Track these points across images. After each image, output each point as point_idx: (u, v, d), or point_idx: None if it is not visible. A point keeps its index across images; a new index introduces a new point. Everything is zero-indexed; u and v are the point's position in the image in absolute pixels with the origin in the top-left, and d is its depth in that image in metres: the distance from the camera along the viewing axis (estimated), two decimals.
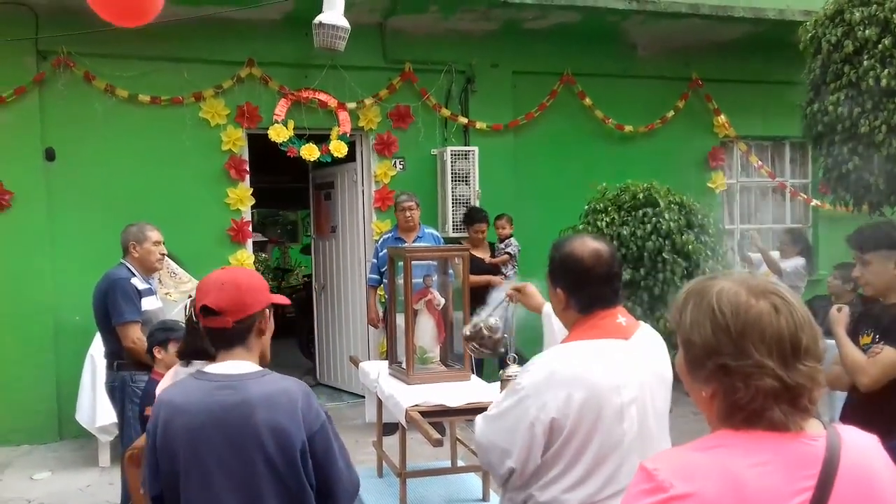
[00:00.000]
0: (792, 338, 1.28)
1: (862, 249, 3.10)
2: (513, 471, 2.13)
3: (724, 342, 1.30)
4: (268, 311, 2.20)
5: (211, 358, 2.38)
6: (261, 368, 2.15)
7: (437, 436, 2.95)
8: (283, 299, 2.34)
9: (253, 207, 7.27)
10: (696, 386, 1.36)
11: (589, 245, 2.26)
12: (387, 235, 6.48)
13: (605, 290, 2.20)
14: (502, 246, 6.98)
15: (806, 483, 1.23)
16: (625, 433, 2.10)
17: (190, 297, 3.02)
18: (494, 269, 6.71)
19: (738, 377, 1.28)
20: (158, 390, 3.06)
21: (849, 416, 2.98)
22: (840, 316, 3.11)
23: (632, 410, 2.12)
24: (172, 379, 2.87)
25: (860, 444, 1.33)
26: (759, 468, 1.23)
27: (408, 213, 6.38)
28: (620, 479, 2.08)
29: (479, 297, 3.43)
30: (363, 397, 6.69)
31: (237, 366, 2.13)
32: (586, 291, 2.22)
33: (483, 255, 6.83)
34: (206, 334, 2.18)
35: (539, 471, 2.12)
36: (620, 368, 2.14)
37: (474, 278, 6.62)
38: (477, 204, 7.22)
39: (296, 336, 9.32)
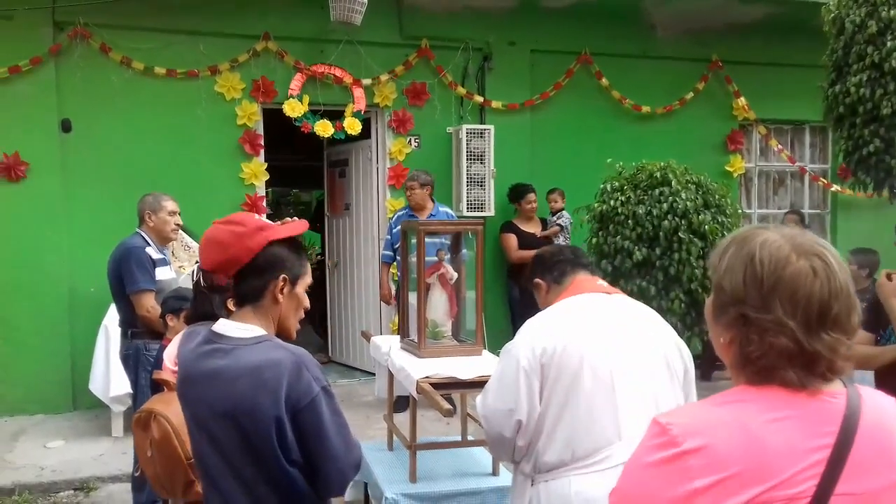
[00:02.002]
0: (822, 304, 1.24)
1: None
2: (520, 424, 2.20)
3: (753, 293, 1.27)
4: (283, 279, 2.06)
5: (217, 319, 2.39)
6: (260, 334, 2.05)
7: (447, 406, 2.95)
8: (289, 230, 2.14)
9: (267, 186, 7.29)
10: (717, 331, 1.34)
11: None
12: (401, 213, 6.49)
13: (577, 261, 2.46)
14: (553, 218, 7.08)
15: (824, 440, 1.21)
16: (612, 376, 2.25)
17: (197, 262, 3.05)
18: (547, 244, 6.73)
19: (754, 329, 1.26)
20: (165, 356, 3.10)
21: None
22: (892, 285, 2.95)
23: (615, 357, 2.27)
24: (178, 346, 2.91)
25: (882, 404, 1.30)
26: (776, 424, 1.21)
27: (408, 193, 6.41)
28: (619, 429, 2.21)
29: None
30: (374, 374, 6.73)
31: (238, 328, 2.06)
32: (558, 266, 2.47)
33: (535, 230, 6.90)
34: (231, 290, 2.16)
35: (539, 425, 2.24)
36: (602, 316, 2.32)
37: (525, 253, 6.70)
38: (492, 183, 7.21)
39: (309, 314, 9.35)
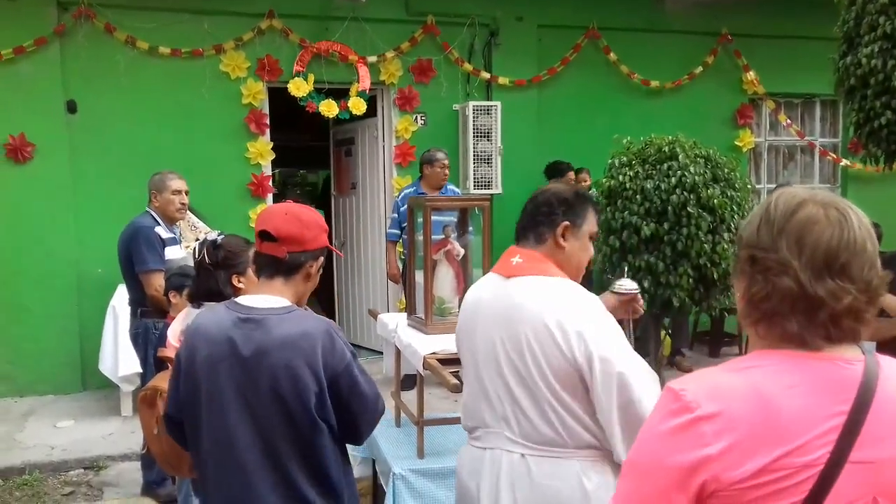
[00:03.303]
0: (829, 250, 1.23)
1: None
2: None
3: (764, 235, 1.27)
4: (321, 257, 2.24)
5: (223, 298, 2.40)
6: (288, 304, 2.16)
7: (454, 381, 2.95)
8: (335, 249, 2.44)
9: (273, 166, 7.27)
10: (735, 288, 1.35)
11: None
12: (408, 190, 6.44)
13: (520, 225, 2.38)
14: None
15: (840, 407, 1.19)
16: (478, 366, 2.31)
17: (197, 239, 3.04)
18: None
19: (759, 269, 1.26)
20: (169, 333, 3.10)
21: None
22: None
23: (479, 347, 2.30)
24: (182, 322, 2.90)
25: None
26: (791, 389, 1.20)
27: (445, 171, 6.36)
28: (485, 415, 2.29)
29: None
30: (381, 353, 6.74)
31: (267, 300, 2.15)
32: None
33: None
34: (255, 260, 2.24)
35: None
36: (481, 299, 2.35)
37: None
38: (499, 160, 7.17)
39: (315, 294, 9.38)
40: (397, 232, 6.48)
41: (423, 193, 6.26)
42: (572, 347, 2.10)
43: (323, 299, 9.19)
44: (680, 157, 5.10)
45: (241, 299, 2.19)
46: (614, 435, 2.08)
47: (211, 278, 2.84)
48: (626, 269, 3.02)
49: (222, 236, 2.92)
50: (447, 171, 6.39)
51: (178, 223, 4.79)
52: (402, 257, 6.50)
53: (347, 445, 2.29)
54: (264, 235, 2.16)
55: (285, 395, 2.05)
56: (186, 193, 4.61)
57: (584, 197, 2.36)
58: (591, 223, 2.33)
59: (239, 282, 2.85)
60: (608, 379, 2.07)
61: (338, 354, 2.10)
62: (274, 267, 2.18)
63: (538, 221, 2.32)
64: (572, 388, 2.12)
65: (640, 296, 2.70)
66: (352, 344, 2.22)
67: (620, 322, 2.70)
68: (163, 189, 4.50)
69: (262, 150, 6.90)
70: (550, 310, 2.15)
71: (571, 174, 7.15)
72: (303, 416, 2.06)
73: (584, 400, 2.12)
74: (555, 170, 7.15)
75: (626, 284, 2.71)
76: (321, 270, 2.28)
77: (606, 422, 2.09)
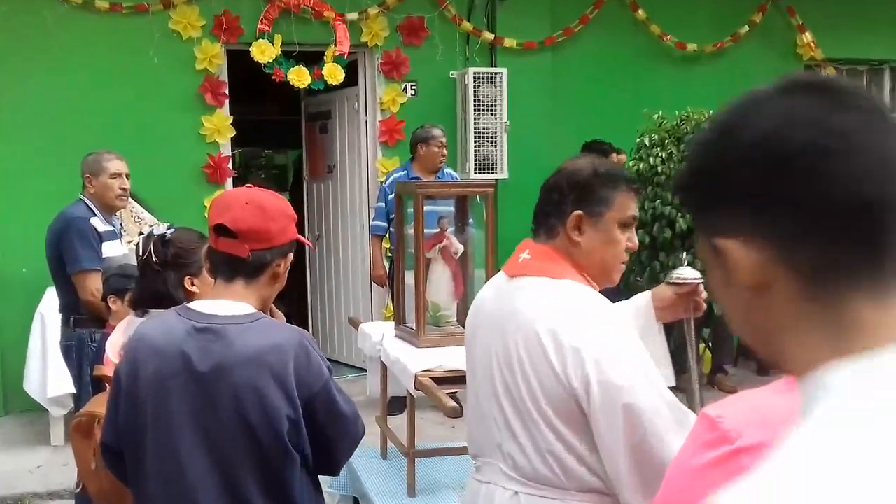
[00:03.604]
0: None
1: None
2: None
3: None
4: (290, 254, 2.25)
5: (173, 304, 2.41)
6: (254, 311, 2.17)
7: (451, 403, 2.96)
8: (305, 240, 2.41)
9: (233, 145, 7.27)
10: None
11: None
12: (397, 174, 6.44)
13: (533, 216, 2.35)
14: None
15: None
16: (479, 365, 2.31)
17: (141, 233, 3.03)
18: None
19: None
20: (108, 346, 3.09)
21: None
22: None
23: (480, 352, 2.31)
24: (124, 333, 2.90)
25: None
26: None
27: (443, 152, 6.37)
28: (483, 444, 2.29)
29: None
30: (364, 370, 6.75)
31: (228, 306, 2.16)
32: None
33: None
34: (210, 258, 2.24)
35: None
36: (483, 302, 2.36)
37: None
38: (505, 139, 7.18)
39: (284, 298, 9.37)
40: (384, 224, 6.46)
41: (416, 178, 6.25)
42: (566, 366, 2.01)
43: (292, 305, 9.19)
44: None
45: (196, 305, 2.20)
46: (620, 479, 1.98)
47: (158, 280, 2.83)
48: (684, 256, 2.84)
49: (172, 230, 2.92)
50: (445, 152, 6.40)
51: (118, 213, 4.78)
52: (390, 255, 6.50)
53: (321, 477, 2.30)
54: (221, 230, 2.15)
55: (251, 421, 2.05)
56: (127, 177, 4.60)
57: (608, 176, 2.24)
58: (621, 207, 2.20)
59: (192, 285, 2.85)
60: (611, 412, 1.97)
61: (314, 371, 2.12)
62: (233, 267, 2.18)
63: (547, 212, 2.27)
64: (568, 418, 2.03)
65: (702, 287, 2.54)
66: (327, 359, 2.23)
67: (676, 325, 2.68)
68: (99, 172, 4.50)
69: (219, 126, 6.90)
70: (545, 317, 2.08)
71: (615, 157, 7.10)
72: (273, 446, 2.07)
73: (586, 433, 2.03)
74: (594, 152, 7.10)
75: (685, 273, 2.57)
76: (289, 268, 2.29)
77: (610, 463, 2.00)
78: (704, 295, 2.55)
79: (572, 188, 2.23)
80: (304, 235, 7.91)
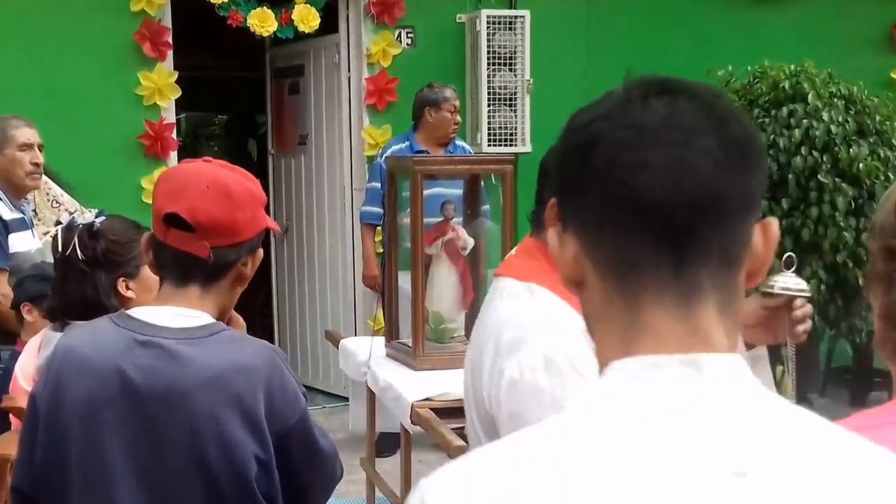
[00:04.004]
0: None
1: None
2: None
3: None
4: (259, 250, 2.24)
5: (103, 314, 2.39)
6: (212, 321, 2.14)
7: (458, 442, 2.96)
8: (273, 224, 2.37)
9: (178, 110, 7.27)
10: (871, 297, 1.36)
11: None
12: (397, 146, 6.43)
13: None
14: None
15: None
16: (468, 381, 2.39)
17: (60, 222, 3.02)
18: None
19: None
20: (18, 369, 3.09)
21: None
22: None
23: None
24: (38, 354, 2.89)
25: None
26: None
27: (456, 119, 6.40)
28: None
29: None
30: (346, 399, 6.74)
31: (179, 315, 2.13)
32: None
33: None
34: (156, 253, 2.20)
35: None
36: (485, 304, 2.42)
37: None
38: (527, 101, 7.17)
39: (244, 307, 9.36)
40: (379, 211, 6.42)
41: (421, 152, 6.26)
42: (489, 384, 2.17)
43: (254, 314, 9.20)
44: (808, 97, 5.11)
45: (138, 312, 2.17)
46: None
47: (84, 283, 2.83)
48: (792, 259, 2.62)
49: (101, 218, 2.91)
50: (458, 119, 6.42)
51: (29, 196, 4.78)
52: (382, 251, 6.49)
53: None
54: (173, 221, 2.11)
55: (210, 463, 2.03)
56: (41, 149, 4.60)
57: None
58: None
59: (127, 289, 2.84)
60: None
61: (289, 399, 2.11)
62: (187, 269, 2.15)
63: (536, 199, 2.34)
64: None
65: (802, 302, 2.39)
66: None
67: (776, 349, 2.49)
68: (3, 143, 4.49)
69: (160, 85, 6.88)
70: (494, 324, 2.23)
71: None
72: (236, 495, 2.06)
73: None
74: None
75: (787, 282, 2.40)
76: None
77: None
78: (808, 310, 2.42)
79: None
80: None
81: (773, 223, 1.14)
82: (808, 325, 2.40)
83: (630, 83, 1.15)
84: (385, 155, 6.32)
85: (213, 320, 2.15)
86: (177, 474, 2.05)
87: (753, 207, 1.12)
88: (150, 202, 2.21)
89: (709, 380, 1.05)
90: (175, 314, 2.13)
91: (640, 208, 1.07)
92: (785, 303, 2.36)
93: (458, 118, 6.41)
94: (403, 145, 6.37)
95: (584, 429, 1.05)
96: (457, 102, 6.39)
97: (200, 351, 2.08)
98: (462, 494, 1.04)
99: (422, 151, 6.21)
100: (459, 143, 6.58)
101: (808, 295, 2.38)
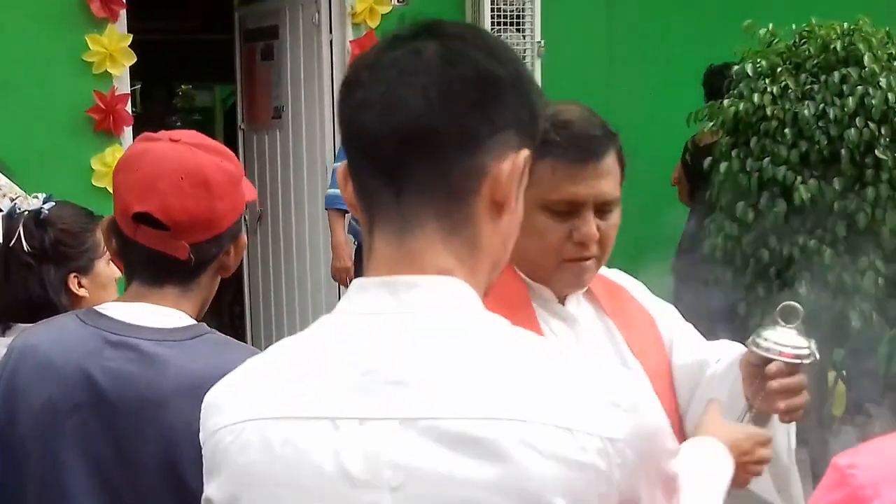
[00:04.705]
0: None
1: None
2: None
3: None
4: (242, 234, 2.26)
5: (52, 314, 2.39)
6: (192, 323, 2.16)
7: None
8: (251, 187, 2.39)
9: (134, 78, 7.28)
10: None
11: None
12: None
13: None
14: None
15: None
16: None
17: (1, 210, 3.02)
18: None
19: None
20: None
21: None
22: None
23: None
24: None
25: None
26: None
27: None
28: None
29: None
30: None
31: (154, 313, 2.13)
32: None
33: None
34: (118, 243, 2.20)
35: None
36: None
37: None
38: (538, 66, 7.18)
39: (213, 304, 9.34)
40: None
41: None
42: None
43: (222, 313, 9.21)
44: (865, 59, 5.12)
45: (109, 309, 2.17)
46: None
47: (31, 279, 2.84)
48: (791, 309, 2.27)
49: (50, 204, 2.92)
50: None
51: None
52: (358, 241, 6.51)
53: None
54: (143, 219, 2.10)
55: (188, 481, 2.01)
56: None
57: (544, 132, 2.36)
58: (545, 184, 2.25)
59: (79, 286, 2.85)
60: None
61: None
62: (163, 270, 2.15)
63: None
64: None
65: (796, 376, 2.20)
66: None
67: (761, 417, 2.30)
68: None
69: (113, 49, 6.87)
70: None
71: None
72: None
73: None
74: (720, 80, 6.88)
75: (776, 338, 2.21)
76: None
77: None
78: (791, 381, 2.20)
79: None
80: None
81: (520, 156, 1.43)
82: (795, 400, 2.23)
83: (407, 25, 1.47)
84: None
85: (192, 322, 2.16)
86: (149, 495, 2.06)
87: (475, 140, 1.40)
88: (101, 185, 2.20)
89: (400, 300, 1.40)
90: (152, 312, 2.13)
91: (360, 143, 1.44)
92: (780, 371, 2.20)
93: None
94: None
95: (304, 335, 1.53)
96: None
97: (180, 354, 2.08)
98: (225, 382, 1.61)
99: None
100: None
101: (794, 361, 2.19)
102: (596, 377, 1.41)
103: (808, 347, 2.19)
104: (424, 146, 1.38)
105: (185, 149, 2.15)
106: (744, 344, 2.33)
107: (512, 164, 1.41)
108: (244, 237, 2.27)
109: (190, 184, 2.09)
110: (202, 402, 1.97)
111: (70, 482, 2.07)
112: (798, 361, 2.18)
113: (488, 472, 1.31)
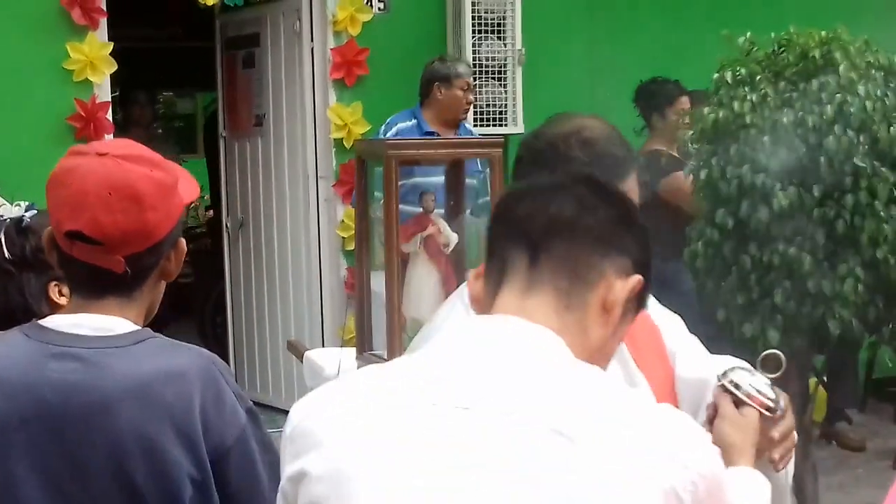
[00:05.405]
0: None
1: None
2: None
3: None
4: (181, 239, 2.25)
5: (25, 319, 2.40)
6: (136, 328, 2.14)
7: None
8: (193, 186, 2.36)
9: (115, 86, 7.26)
10: None
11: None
12: (403, 124, 6.53)
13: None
14: None
15: None
16: None
17: None
18: None
19: None
20: None
21: None
22: None
23: None
24: None
25: None
26: None
27: (469, 98, 6.50)
28: None
29: None
30: None
31: (97, 322, 2.13)
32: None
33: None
34: (63, 268, 2.21)
35: None
36: None
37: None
38: (519, 74, 7.19)
39: (194, 314, 9.35)
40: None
41: (430, 133, 6.31)
42: None
43: (204, 322, 9.18)
44: (841, 67, 5.14)
45: (52, 322, 2.17)
46: None
47: (11, 287, 2.84)
48: (773, 358, 2.28)
49: (32, 212, 2.92)
50: (471, 98, 6.50)
51: None
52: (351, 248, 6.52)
53: None
54: (76, 236, 2.10)
55: (138, 486, 2.02)
56: None
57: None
58: None
59: (60, 294, 2.85)
60: None
61: (227, 412, 2.09)
62: (101, 282, 2.15)
63: None
64: None
65: (784, 423, 2.19)
66: (257, 403, 2.21)
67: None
68: None
69: (94, 56, 6.87)
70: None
71: (684, 100, 7.03)
72: None
73: None
74: (662, 95, 7.09)
75: (743, 381, 2.18)
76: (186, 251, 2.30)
77: None
78: (781, 431, 2.20)
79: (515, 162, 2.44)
80: (222, 218, 7.89)
81: (634, 278, 1.65)
82: (787, 444, 2.24)
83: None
84: (391, 133, 6.37)
85: (137, 328, 2.15)
86: (100, 500, 2.05)
87: (606, 246, 1.65)
88: (51, 215, 2.17)
89: (495, 330, 1.61)
90: (95, 321, 2.13)
91: (510, 219, 1.71)
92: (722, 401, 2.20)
93: (471, 97, 6.47)
94: (410, 123, 6.43)
95: (405, 361, 1.75)
96: (470, 80, 6.47)
97: (124, 360, 2.07)
98: (311, 400, 1.68)
99: (431, 133, 6.26)
100: (468, 125, 6.70)
101: (756, 406, 2.15)
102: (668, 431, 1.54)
103: (778, 401, 2.17)
104: (568, 230, 1.63)
105: (113, 162, 2.13)
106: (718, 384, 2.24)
107: (626, 281, 1.64)
108: (183, 242, 2.25)
109: (118, 198, 2.09)
110: (148, 404, 2.01)
111: (22, 496, 2.07)
112: (770, 415, 2.16)
113: None
